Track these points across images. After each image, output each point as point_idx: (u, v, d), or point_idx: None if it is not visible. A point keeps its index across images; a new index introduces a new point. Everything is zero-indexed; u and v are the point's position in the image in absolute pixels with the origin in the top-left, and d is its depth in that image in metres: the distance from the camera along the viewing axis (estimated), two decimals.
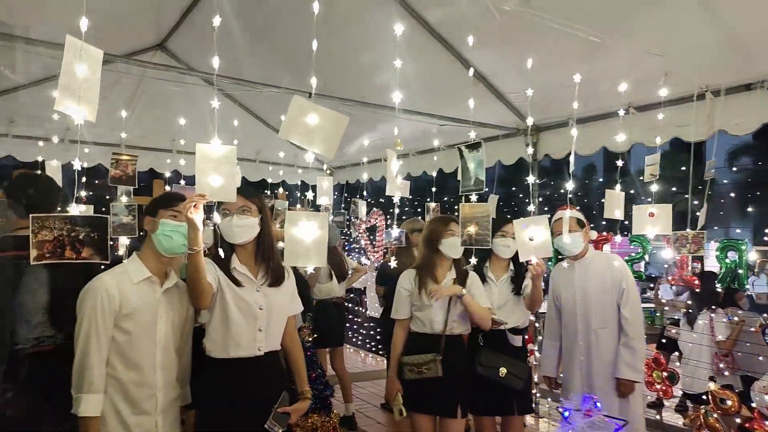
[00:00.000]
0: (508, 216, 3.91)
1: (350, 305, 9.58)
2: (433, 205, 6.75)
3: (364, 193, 7.76)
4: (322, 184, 5.99)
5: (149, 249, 2.57)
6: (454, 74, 5.47)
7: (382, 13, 4.87)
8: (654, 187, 4.38)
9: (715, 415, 4.10)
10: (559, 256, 4.39)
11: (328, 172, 9.06)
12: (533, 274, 3.54)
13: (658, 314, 7.21)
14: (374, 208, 9.12)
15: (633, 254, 5.17)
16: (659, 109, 4.53)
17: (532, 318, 4.17)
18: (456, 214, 3.58)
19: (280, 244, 2.70)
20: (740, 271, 4.32)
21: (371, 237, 9.29)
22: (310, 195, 5.85)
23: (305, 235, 2.29)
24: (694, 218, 4.39)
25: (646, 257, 4.82)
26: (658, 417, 5.79)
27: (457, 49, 5.33)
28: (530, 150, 5.83)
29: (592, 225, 4.24)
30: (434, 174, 6.98)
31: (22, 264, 2.66)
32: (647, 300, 8.17)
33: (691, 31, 4.13)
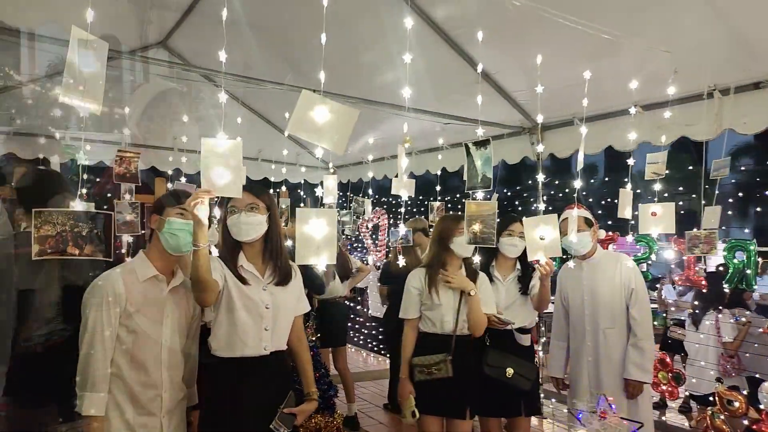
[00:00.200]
0: (515, 215, 3.87)
1: (352, 305, 9.55)
2: (437, 204, 6.71)
3: (369, 191, 7.71)
4: (327, 183, 5.95)
5: (156, 247, 2.54)
6: (458, 72, 5.44)
7: (386, 10, 4.83)
8: (657, 186, 4.33)
9: (722, 417, 4.06)
10: (564, 256, 4.35)
11: (332, 171, 9.02)
12: (542, 273, 3.50)
13: (664, 314, 7.17)
14: (377, 207, 9.09)
15: (638, 254, 5.14)
16: (666, 108, 4.49)
17: (536, 318, 4.13)
18: (460, 212, 3.54)
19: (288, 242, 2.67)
20: (748, 271, 4.29)
21: (374, 236, 9.25)
22: (319, 193, 5.80)
23: (315, 233, 2.25)
24: (699, 218, 4.36)
25: (654, 257, 4.77)
26: (663, 418, 5.76)
27: (462, 47, 5.29)
28: (540, 148, 5.78)
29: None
30: (438, 172, 6.94)
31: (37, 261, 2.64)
32: (652, 300, 8.12)
33: (699, 29, 4.10)
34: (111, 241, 2.64)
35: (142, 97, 6.76)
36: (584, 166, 3.79)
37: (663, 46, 4.19)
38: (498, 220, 3.83)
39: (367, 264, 7.64)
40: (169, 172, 6.91)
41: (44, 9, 4.19)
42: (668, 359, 5.08)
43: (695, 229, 4.30)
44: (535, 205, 4.97)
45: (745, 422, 4.02)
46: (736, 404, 4.04)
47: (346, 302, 6.29)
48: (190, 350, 2.68)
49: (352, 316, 8.91)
